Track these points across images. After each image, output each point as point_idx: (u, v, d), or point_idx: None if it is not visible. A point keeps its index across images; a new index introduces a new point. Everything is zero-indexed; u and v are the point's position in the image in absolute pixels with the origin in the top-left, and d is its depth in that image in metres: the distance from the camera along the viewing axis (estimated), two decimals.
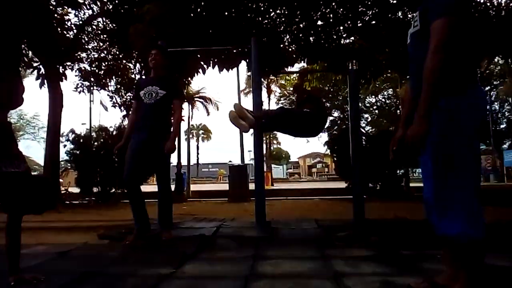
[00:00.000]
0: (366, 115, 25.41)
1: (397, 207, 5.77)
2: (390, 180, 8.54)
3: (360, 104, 20.84)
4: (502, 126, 25.76)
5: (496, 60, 15.87)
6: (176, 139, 3.57)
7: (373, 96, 25.05)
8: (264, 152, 25.10)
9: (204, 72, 6.90)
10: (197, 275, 2.31)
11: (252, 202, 6.07)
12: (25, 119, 29.47)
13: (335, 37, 7.36)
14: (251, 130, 4.05)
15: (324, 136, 22.89)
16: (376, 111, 26.00)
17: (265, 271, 2.38)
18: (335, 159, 9.83)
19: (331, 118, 23.12)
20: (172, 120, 3.52)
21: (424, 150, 1.67)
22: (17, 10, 6.61)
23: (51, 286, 2.06)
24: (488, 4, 7.12)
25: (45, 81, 8.77)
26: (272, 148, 36.78)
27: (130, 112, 3.59)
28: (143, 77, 7.09)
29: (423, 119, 1.58)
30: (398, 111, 22.02)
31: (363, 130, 21.46)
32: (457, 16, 1.59)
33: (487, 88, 23.84)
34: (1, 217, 2.10)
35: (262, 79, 12.62)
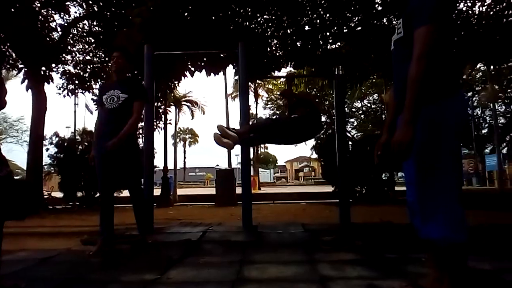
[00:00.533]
0: (352, 120, 25.71)
1: (382, 211, 5.84)
2: (375, 184, 8.65)
3: (346, 109, 21.14)
4: (484, 131, 26.37)
5: (478, 66, 16.28)
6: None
7: (359, 101, 25.38)
8: (252, 156, 25.11)
9: (192, 75, 6.89)
10: (182, 280, 2.28)
11: (239, 206, 6.05)
12: (8, 122, 28.78)
13: (321, 42, 7.45)
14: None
15: (311, 141, 23.07)
16: (362, 115, 26.33)
17: (251, 275, 2.37)
18: (322, 163, 9.90)
19: None
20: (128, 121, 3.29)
21: (409, 155, 1.69)
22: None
23: None
24: (470, 12, 7.32)
25: (28, 83, 8.60)
26: (259, 152, 36.81)
27: (96, 119, 3.47)
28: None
29: (408, 125, 1.61)
30: (383, 116, 22.36)
31: (349, 135, 21.70)
32: (440, 23, 1.62)
33: (469, 94, 24.40)
34: None
35: (250, 84, 12.67)
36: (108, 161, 3.28)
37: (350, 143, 9.67)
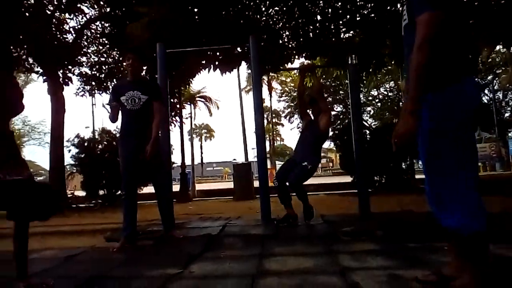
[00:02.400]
0: (368, 109, 25.30)
1: (402, 200, 5.75)
2: (395, 172, 8.51)
3: (362, 98, 20.80)
4: (506, 115, 25.56)
5: (497, 48, 15.72)
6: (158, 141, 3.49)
7: (375, 89, 24.93)
8: (268, 149, 25.11)
9: (206, 72, 6.90)
10: (204, 274, 2.31)
11: (257, 200, 6.07)
12: (29, 125, 29.62)
13: (334, 31, 7.33)
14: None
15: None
16: (379, 104, 25.88)
17: (271, 268, 2.38)
18: (339, 153, 9.80)
19: (333, 113, 23.08)
20: (153, 123, 3.42)
21: (416, 144, 1.67)
22: (15, 17, 6.63)
23: None
24: None
25: (47, 86, 8.81)
26: (276, 144, 36.79)
27: (110, 117, 3.52)
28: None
29: (410, 115, 1.58)
30: (400, 103, 21.93)
31: (366, 124, 21.40)
32: (442, 9, 1.56)
33: (489, 77, 23.64)
34: (7, 224, 2.11)
35: (263, 77, 12.62)
36: (135, 162, 3.38)
37: (367, 132, 9.55)
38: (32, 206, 1.77)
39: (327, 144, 26.73)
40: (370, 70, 7.86)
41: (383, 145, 7.04)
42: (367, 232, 3.34)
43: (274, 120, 36.35)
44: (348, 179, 9.50)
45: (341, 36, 7.55)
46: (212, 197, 12.10)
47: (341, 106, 23.22)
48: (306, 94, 4.84)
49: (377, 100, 25.92)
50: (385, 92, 25.50)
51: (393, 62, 8.78)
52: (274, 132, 35.45)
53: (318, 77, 5.78)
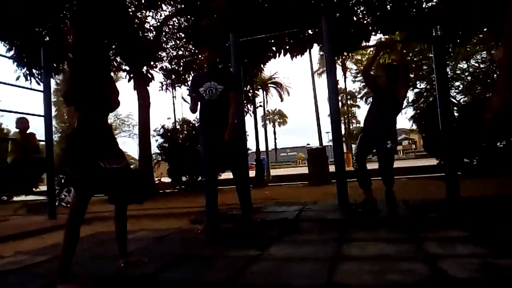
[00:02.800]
0: (456, 83, 22.93)
1: (497, 184, 5.18)
2: (488, 154, 7.65)
3: (449, 72, 18.90)
4: None
5: None
6: (234, 128, 3.59)
7: (464, 62, 22.45)
8: (343, 132, 24.39)
9: (275, 57, 6.87)
10: (283, 257, 2.36)
11: (333, 185, 5.96)
12: (120, 119, 32.76)
13: (415, 2, 6.73)
14: None
15: (409, 111, 21.35)
16: (468, 77, 23.30)
17: (351, 253, 2.34)
18: (423, 134, 9.12)
19: (416, 90, 21.41)
20: (229, 111, 3.53)
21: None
22: (106, 20, 7.30)
23: (154, 267, 2.29)
24: None
25: (134, 82, 9.64)
26: (351, 127, 35.55)
27: (191, 108, 3.71)
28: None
29: (505, 89, 1.41)
30: (494, 75, 19.47)
31: (453, 100, 19.48)
32: None
33: None
34: (107, 207, 2.39)
35: (336, 58, 12.15)
36: (216, 150, 3.56)
37: (455, 109, 8.70)
38: (130, 191, 1.99)
39: (409, 125, 25.05)
40: (458, 40, 7.09)
41: (474, 123, 6.37)
42: (456, 217, 3.08)
43: (349, 102, 35.06)
44: (433, 161, 8.81)
45: (423, 5, 6.90)
46: (287, 182, 12.20)
47: (425, 82, 21.41)
48: (389, 61, 4.58)
49: (466, 74, 23.34)
50: (476, 64, 22.82)
51: (485, 30, 7.79)
52: (350, 115, 34.19)
53: (399, 52, 5.35)
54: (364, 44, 7.49)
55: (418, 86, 21.13)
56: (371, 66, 4.66)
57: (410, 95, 21.89)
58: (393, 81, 4.11)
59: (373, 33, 7.13)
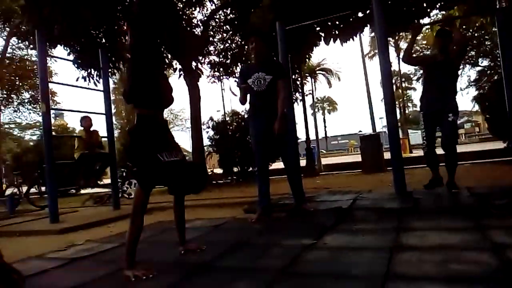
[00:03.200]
0: None
1: None
2: None
3: None
4: None
5: None
6: (285, 117, 3.57)
7: None
8: (398, 117, 23.22)
9: (327, 43, 6.68)
10: (338, 246, 2.34)
11: (388, 173, 5.76)
12: (173, 114, 34.10)
13: None
14: None
15: (471, 91, 19.81)
16: None
17: (410, 242, 2.25)
18: (487, 116, 8.43)
19: (478, 68, 19.77)
20: (278, 101, 3.52)
21: None
22: (159, 18, 7.58)
23: (211, 254, 2.38)
24: None
25: (184, 77, 9.96)
26: (407, 112, 33.80)
27: (240, 100, 3.73)
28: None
29: None
30: None
31: None
32: None
33: None
34: (166, 198, 2.51)
35: (389, 38, 11.54)
36: (266, 140, 3.59)
37: None
38: (188, 182, 2.08)
39: (471, 106, 23.24)
40: None
41: None
42: None
43: (404, 85, 33.29)
44: (499, 145, 8.14)
45: None
46: (339, 171, 11.97)
47: (488, 59, 19.68)
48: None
49: None
50: None
51: None
52: (405, 98, 32.47)
53: (458, 29, 4.96)
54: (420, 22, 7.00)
55: (480, 64, 19.47)
56: (411, 51, 4.41)
57: (472, 74, 20.30)
58: (445, 48, 3.90)
59: (429, 10, 6.65)
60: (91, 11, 7.01)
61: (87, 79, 8.31)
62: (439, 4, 6.49)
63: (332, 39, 6.54)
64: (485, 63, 19.92)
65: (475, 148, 14.10)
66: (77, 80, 8.32)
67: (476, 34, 17.94)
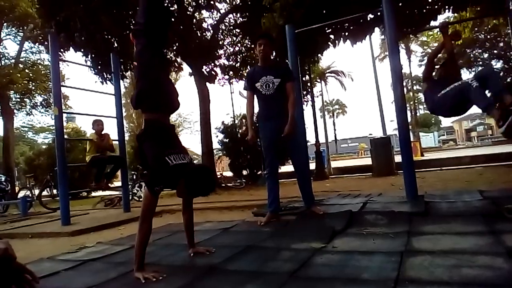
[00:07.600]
0: None
1: None
2: None
3: None
4: None
5: None
6: (295, 120, 3.55)
7: None
8: (409, 119, 23.01)
9: (335, 46, 6.67)
10: (348, 250, 2.31)
11: (399, 176, 5.69)
12: (182, 117, 34.33)
13: None
14: None
15: None
16: None
17: (422, 247, 2.21)
18: None
19: None
20: (288, 104, 3.51)
21: None
22: (166, 26, 7.67)
23: (221, 256, 2.38)
24: None
25: (194, 81, 10.03)
26: (418, 114, 33.40)
27: (246, 104, 3.73)
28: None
29: None
30: None
31: None
32: None
33: None
34: (174, 201, 2.52)
35: (399, 41, 11.43)
36: (276, 143, 3.59)
37: None
38: (197, 185, 2.10)
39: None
40: None
41: None
42: None
43: (415, 88, 32.95)
44: None
45: None
46: (349, 174, 11.87)
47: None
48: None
49: None
50: None
51: None
52: (416, 101, 32.11)
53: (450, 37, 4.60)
54: (431, 24, 6.92)
55: (494, 66, 19.13)
56: (439, 52, 4.29)
57: None
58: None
59: (441, 11, 6.56)
60: (113, 19, 7.11)
61: (104, 82, 8.42)
62: (451, 6, 6.41)
63: (342, 39, 6.52)
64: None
65: (488, 151, 13.86)
66: (95, 82, 8.47)
67: (488, 36, 17.69)
